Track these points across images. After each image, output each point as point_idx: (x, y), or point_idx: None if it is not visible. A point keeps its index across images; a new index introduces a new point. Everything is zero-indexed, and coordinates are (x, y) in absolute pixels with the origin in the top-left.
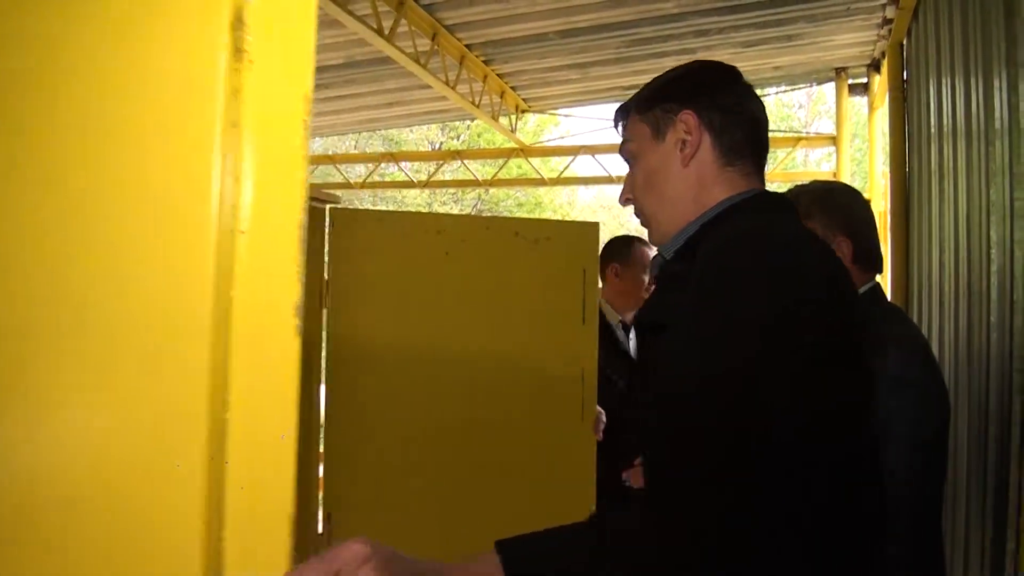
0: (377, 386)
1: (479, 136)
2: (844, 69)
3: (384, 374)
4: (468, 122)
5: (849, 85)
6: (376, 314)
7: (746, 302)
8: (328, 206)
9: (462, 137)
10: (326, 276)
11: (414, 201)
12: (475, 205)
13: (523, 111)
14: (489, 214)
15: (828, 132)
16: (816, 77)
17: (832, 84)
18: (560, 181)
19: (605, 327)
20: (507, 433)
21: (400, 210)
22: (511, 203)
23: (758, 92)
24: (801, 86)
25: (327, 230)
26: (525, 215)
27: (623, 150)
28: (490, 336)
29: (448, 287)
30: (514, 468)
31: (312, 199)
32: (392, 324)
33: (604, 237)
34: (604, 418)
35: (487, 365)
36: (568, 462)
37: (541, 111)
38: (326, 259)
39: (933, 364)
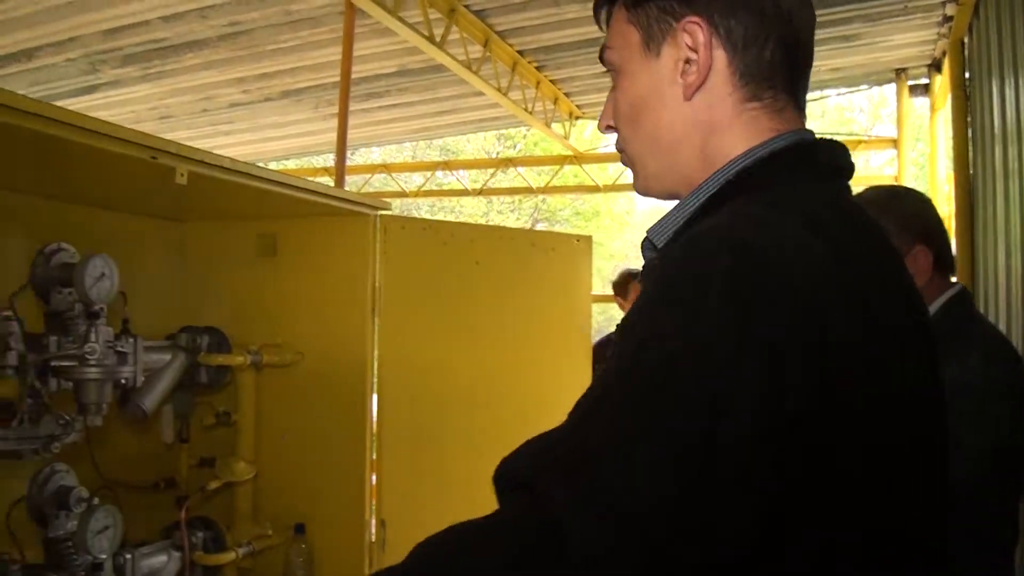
0: (426, 392)
1: (535, 145)
2: (904, 70)
3: (431, 379)
4: (525, 131)
5: (910, 86)
6: (421, 320)
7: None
8: (379, 212)
9: (519, 146)
10: (377, 282)
11: (472, 211)
12: (532, 214)
13: (576, 117)
14: (545, 223)
15: (890, 135)
16: (876, 79)
17: (893, 86)
18: (614, 188)
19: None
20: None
21: (440, 219)
22: (568, 212)
23: (816, 95)
24: (861, 88)
25: (378, 237)
26: (582, 224)
27: (603, 57)
28: (515, 343)
29: (478, 293)
30: None
31: (362, 204)
32: (435, 329)
33: None
34: None
35: (515, 369)
36: None
37: (595, 117)
38: (376, 265)
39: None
